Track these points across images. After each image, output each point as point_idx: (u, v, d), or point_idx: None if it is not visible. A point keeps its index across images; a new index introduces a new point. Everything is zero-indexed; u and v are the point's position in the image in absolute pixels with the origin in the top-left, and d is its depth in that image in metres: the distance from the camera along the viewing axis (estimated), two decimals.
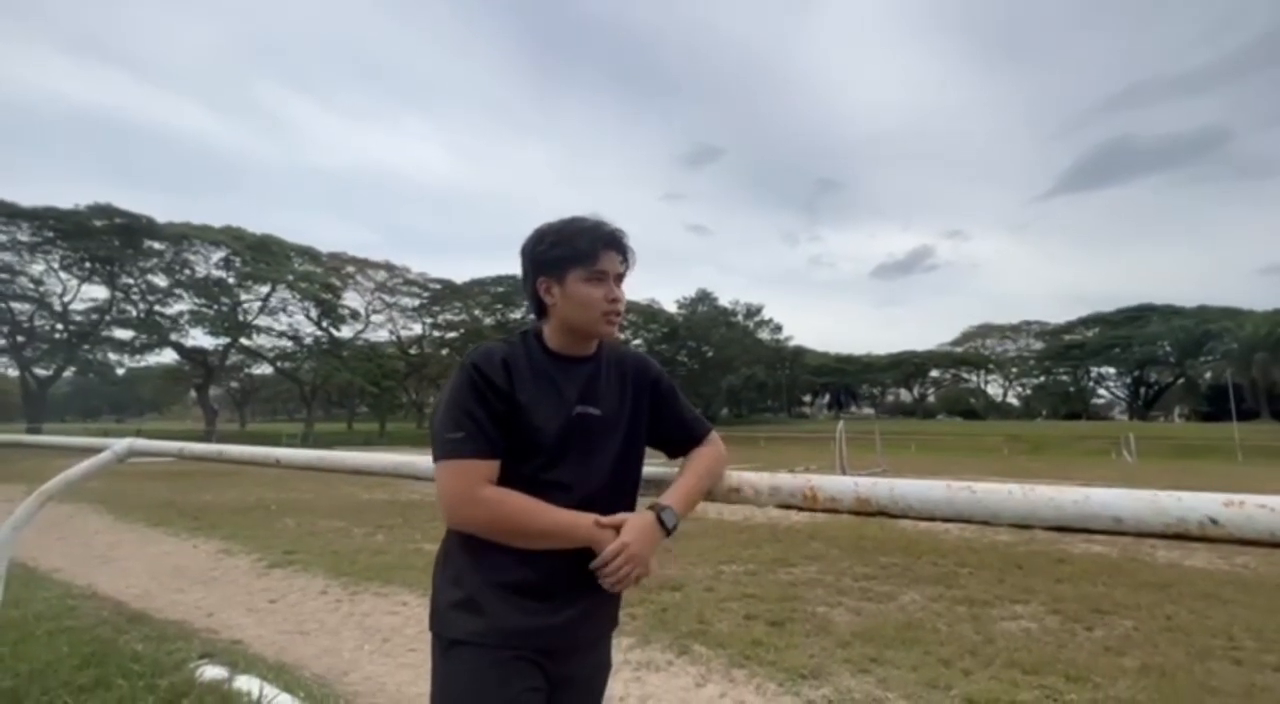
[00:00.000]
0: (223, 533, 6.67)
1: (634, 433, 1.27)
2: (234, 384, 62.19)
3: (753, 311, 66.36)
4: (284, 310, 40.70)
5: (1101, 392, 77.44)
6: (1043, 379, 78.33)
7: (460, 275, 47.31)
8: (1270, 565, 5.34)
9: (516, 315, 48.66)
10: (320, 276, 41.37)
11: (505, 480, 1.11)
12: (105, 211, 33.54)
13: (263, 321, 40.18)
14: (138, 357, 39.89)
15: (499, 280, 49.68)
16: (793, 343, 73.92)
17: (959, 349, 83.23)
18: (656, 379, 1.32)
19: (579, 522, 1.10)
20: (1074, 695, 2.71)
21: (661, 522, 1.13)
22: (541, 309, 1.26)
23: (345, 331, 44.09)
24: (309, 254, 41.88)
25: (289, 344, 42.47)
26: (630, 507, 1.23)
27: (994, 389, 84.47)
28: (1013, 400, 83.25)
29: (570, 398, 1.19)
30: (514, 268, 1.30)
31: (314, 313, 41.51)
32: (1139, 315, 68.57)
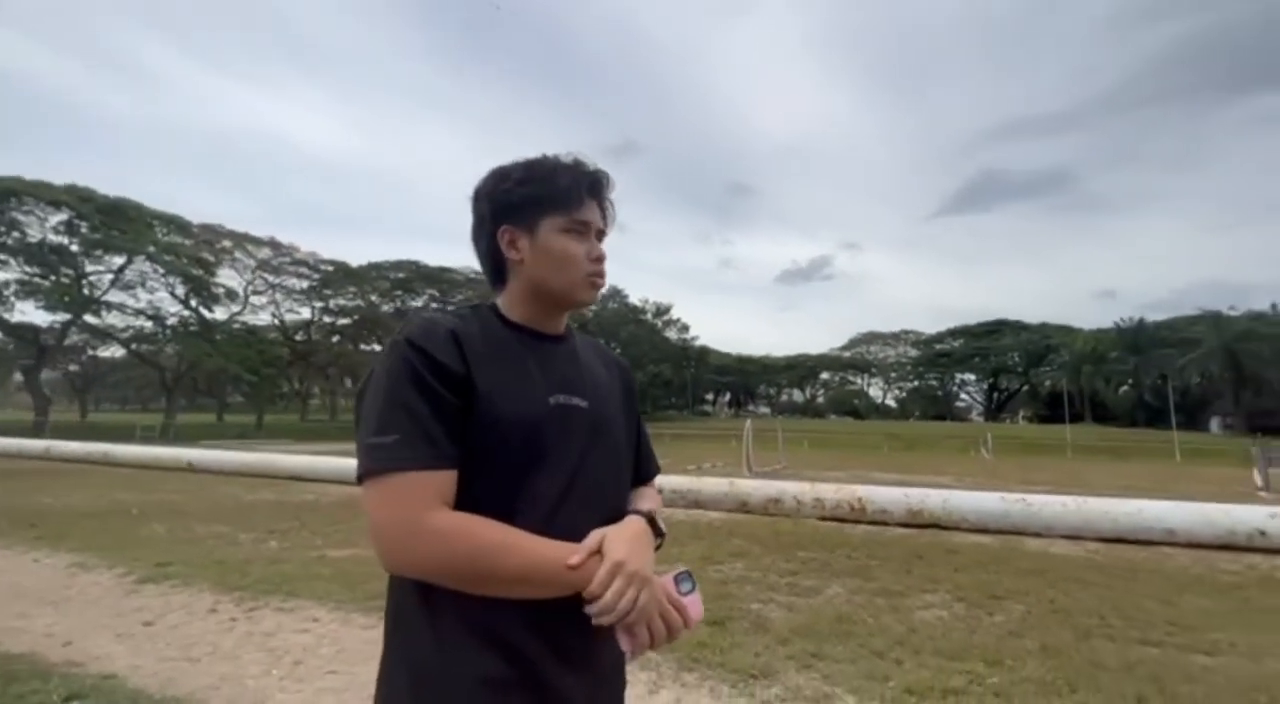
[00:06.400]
0: (72, 543, 5.70)
1: (631, 441, 1.04)
2: (74, 367, 53.85)
3: (662, 310, 67.77)
4: (143, 285, 35.76)
5: (964, 396, 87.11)
6: (916, 383, 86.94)
7: (356, 258, 43.99)
8: (1111, 551, 6.16)
9: (418, 303, 46.16)
10: (189, 250, 36.82)
11: (460, 501, 0.80)
12: None
13: (115, 297, 35.11)
14: None
15: (399, 265, 46.92)
16: (698, 342, 76.23)
17: (847, 354, 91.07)
18: (637, 390, 1.13)
19: (563, 553, 0.80)
20: (995, 679, 2.95)
21: (654, 524, 0.91)
22: (500, 271, 0.96)
23: (219, 313, 39.59)
24: (176, 223, 37.07)
25: (148, 324, 37.43)
26: None
27: (875, 391, 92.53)
28: (891, 402, 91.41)
29: (546, 383, 0.89)
30: (418, 253, 1.10)
31: (181, 290, 36.87)
32: (995, 329, 77.97)
